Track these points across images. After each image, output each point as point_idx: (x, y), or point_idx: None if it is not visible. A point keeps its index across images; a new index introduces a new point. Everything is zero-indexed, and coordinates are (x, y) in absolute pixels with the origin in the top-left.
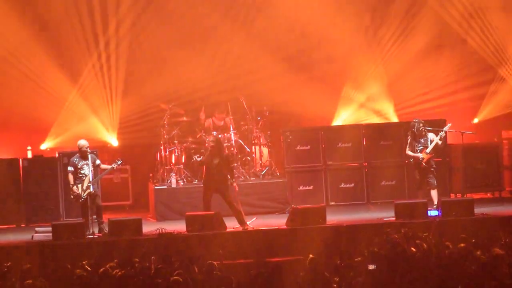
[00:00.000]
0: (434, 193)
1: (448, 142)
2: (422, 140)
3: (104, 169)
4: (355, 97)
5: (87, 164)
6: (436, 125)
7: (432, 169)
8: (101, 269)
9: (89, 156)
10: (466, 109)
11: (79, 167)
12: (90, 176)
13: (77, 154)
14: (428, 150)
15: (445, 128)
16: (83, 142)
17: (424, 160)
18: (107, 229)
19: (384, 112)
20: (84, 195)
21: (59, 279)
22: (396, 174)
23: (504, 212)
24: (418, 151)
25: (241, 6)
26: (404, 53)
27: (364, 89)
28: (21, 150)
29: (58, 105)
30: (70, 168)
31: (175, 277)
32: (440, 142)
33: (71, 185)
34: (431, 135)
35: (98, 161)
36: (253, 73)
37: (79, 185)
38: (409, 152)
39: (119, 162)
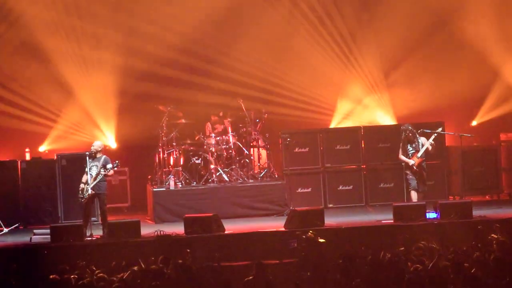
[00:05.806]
0: (413, 195)
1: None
2: (414, 145)
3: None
4: (353, 100)
5: (96, 166)
6: (433, 128)
7: (424, 172)
8: None
9: (103, 158)
10: (464, 112)
11: (89, 167)
12: (89, 178)
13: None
14: (419, 155)
15: (437, 131)
16: (95, 144)
17: (415, 164)
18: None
19: (382, 114)
20: (86, 195)
21: None
22: (394, 176)
23: (502, 215)
24: (410, 155)
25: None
26: (403, 54)
27: (362, 91)
28: (19, 152)
29: (58, 107)
30: (86, 168)
31: None
32: (430, 148)
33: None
34: (422, 139)
35: (109, 165)
36: (253, 75)
37: (85, 185)
38: (401, 156)
39: (115, 165)
